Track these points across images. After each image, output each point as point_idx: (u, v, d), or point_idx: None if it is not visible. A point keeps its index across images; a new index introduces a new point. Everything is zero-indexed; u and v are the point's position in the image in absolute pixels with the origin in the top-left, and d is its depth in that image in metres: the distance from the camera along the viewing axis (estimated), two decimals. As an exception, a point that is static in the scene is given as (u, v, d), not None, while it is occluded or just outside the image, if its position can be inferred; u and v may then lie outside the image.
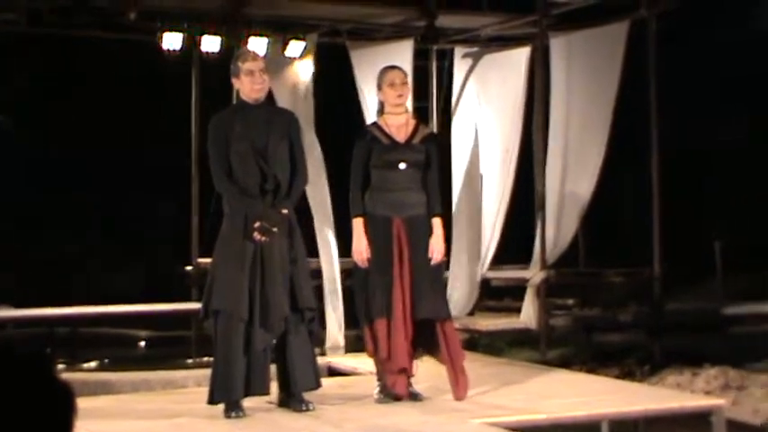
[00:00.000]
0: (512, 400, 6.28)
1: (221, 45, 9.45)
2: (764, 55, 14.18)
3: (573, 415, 5.93)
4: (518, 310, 9.94)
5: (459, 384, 6.22)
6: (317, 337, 6.25)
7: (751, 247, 15.15)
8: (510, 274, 10.62)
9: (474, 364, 7.27)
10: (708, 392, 7.93)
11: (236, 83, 6.05)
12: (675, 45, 13.74)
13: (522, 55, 10.57)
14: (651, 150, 10.04)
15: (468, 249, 10.61)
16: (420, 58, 10.57)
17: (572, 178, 10.18)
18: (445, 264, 7.09)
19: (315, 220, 9.53)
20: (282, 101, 9.20)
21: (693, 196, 15.96)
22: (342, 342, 9.14)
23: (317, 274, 9.15)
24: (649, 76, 10.00)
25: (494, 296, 10.98)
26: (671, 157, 10.89)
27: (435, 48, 10.90)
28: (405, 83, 6.36)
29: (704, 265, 11.86)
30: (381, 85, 6.37)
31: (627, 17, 10.10)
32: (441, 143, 10.47)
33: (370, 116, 9.03)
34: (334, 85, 10.35)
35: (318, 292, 8.98)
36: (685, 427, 6.36)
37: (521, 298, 9.95)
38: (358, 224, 6.24)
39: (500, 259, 10.81)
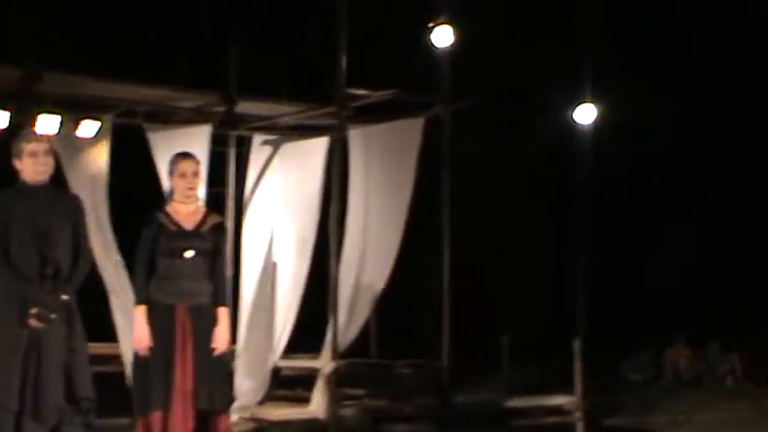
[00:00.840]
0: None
1: (10, 121, 9.16)
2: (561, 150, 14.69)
3: None
4: (309, 400, 9.89)
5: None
6: (94, 428, 6.02)
7: (536, 340, 15.59)
8: (301, 363, 10.58)
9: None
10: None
11: (17, 164, 5.84)
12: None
13: (320, 145, 10.66)
14: (443, 243, 10.25)
15: (261, 338, 10.51)
16: (218, 143, 10.52)
17: (367, 268, 10.29)
18: (232, 353, 7.00)
19: (113, 304, 9.33)
20: (75, 183, 8.98)
21: (485, 289, 16.33)
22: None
23: (115, 359, 8.93)
24: (442, 172, 10.27)
25: (286, 385, 10.90)
26: (464, 250, 11.15)
27: (234, 133, 10.87)
28: (196, 173, 6.29)
29: (492, 358, 12.12)
30: (173, 173, 6.29)
31: (423, 114, 10.38)
32: (235, 230, 10.44)
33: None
34: (133, 167, 10.17)
35: (120, 379, 8.72)
36: None
37: (312, 387, 9.90)
38: (140, 312, 6.10)
39: (293, 348, 10.76)
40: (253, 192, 10.86)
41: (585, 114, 11.43)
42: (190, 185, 6.23)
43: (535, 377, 14.30)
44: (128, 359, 8.98)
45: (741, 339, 14.99)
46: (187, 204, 6.25)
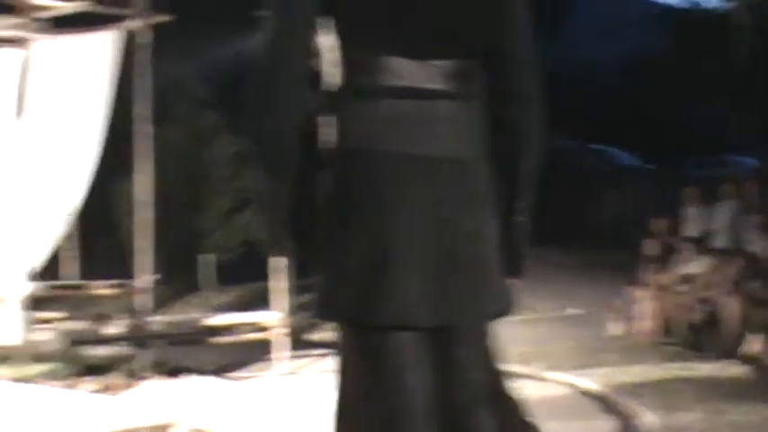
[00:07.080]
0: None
1: None
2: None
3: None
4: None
5: None
6: None
7: (244, 260, 15.56)
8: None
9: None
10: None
11: None
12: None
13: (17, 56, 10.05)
14: (142, 162, 9.97)
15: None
16: None
17: (59, 184, 9.86)
18: None
19: None
20: None
21: (187, 208, 16.00)
22: None
23: None
24: (137, 89, 9.93)
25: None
26: (166, 168, 10.87)
27: None
28: None
29: (199, 279, 11.99)
30: None
31: (120, 26, 9.98)
32: None
33: None
34: None
35: None
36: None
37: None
38: None
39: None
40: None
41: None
42: None
43: (244, 296, 14.29)
44: None
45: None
46: None
